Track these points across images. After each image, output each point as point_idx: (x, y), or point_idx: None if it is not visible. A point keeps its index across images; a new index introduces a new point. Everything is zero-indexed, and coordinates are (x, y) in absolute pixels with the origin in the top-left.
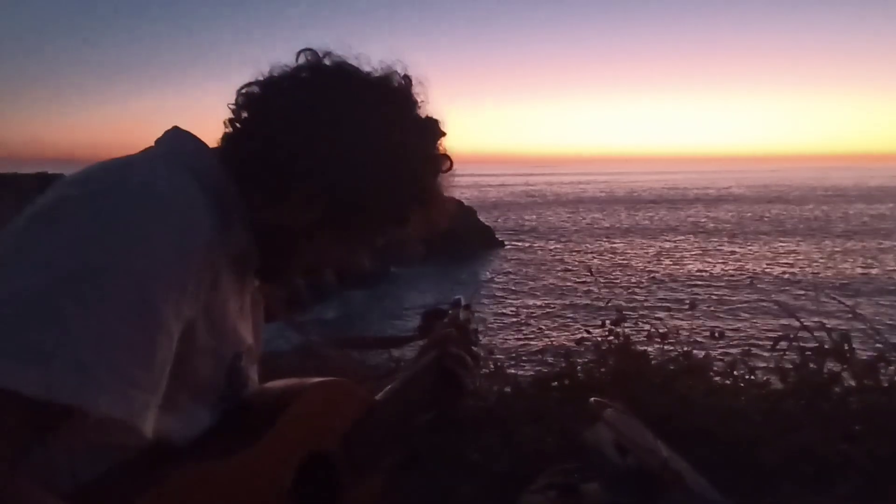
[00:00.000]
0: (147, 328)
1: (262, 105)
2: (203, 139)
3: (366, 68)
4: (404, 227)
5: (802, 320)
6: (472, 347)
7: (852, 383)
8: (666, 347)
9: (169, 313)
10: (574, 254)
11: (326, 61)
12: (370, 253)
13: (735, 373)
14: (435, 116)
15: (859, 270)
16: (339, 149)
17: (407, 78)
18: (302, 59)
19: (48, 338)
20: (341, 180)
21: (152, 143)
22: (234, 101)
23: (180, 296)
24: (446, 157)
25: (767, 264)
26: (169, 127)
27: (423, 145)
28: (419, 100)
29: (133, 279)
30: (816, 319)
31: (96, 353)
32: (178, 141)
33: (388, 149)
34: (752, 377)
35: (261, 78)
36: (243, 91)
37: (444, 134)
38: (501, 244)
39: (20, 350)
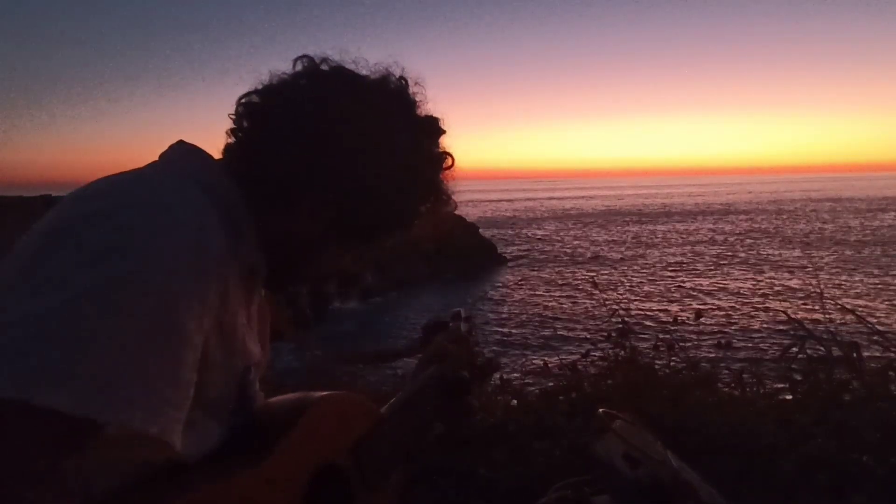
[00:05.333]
0: (172, 343)
1: (262, 114)
2: (208, 151)
3: (363, 72)
4: (412, 228)
5: (810, 328)
6: (475, 360)
7: (862, 392)
8: (672, 359)
9: (192, 327)
10: (578, 268)
11: (324, 67)
12: (376, 258)
13: (744, 382)
14: (434, 115)
15: None
16: (342, 154)
17: (403, 79)
18: (299, 66)
19: (74, 356)
20: (347, 186)
21: (156, 158)
22: (234, 111)
23: (202, 309)
24: (448, 154)
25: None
26: (172, 141)
27: (426, 144)
28: (417, 99)
29: (154, 294)
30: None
31: (125, 370)
32: (184, 154)
33: (391, 150)
34: (762, 389)
35: (259, 87)
36: (243, 101)
37: (444, 132)
38: (505, 260)
39: (47, 368)
